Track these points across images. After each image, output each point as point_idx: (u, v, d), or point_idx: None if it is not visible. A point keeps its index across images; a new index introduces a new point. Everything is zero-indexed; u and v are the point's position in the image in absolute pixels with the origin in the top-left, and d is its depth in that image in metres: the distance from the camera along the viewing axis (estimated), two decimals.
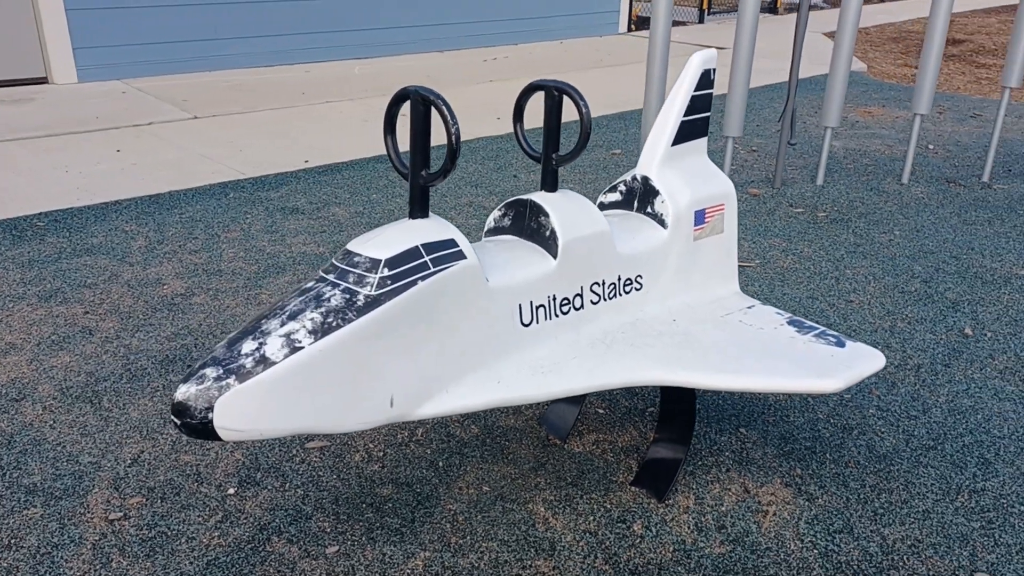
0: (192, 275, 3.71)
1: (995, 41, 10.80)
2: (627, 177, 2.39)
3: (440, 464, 2.50)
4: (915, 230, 4.51)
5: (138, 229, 4.18)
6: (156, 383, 2.87)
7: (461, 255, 1.84)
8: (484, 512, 2.31)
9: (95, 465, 2.46)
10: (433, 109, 1.77)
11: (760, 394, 2.92)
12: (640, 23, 11.28)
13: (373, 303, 1.72)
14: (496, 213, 2.18)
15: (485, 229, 2.23)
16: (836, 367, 2.08)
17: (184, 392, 1.59)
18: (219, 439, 1.61)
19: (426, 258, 1.78)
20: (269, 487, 2.39)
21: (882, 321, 3.50)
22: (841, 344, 2.21)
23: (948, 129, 6.59)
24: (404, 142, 5.62)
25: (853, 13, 4.78)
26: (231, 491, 2.37)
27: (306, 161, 5.26)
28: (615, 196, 2.40)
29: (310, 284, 1.78)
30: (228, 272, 3.75)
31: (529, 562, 2.15)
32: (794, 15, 12.65)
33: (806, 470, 2.54)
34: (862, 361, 2.12)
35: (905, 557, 2.22)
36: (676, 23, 11.73)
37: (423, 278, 1.77)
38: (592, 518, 2.30)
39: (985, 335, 3.40)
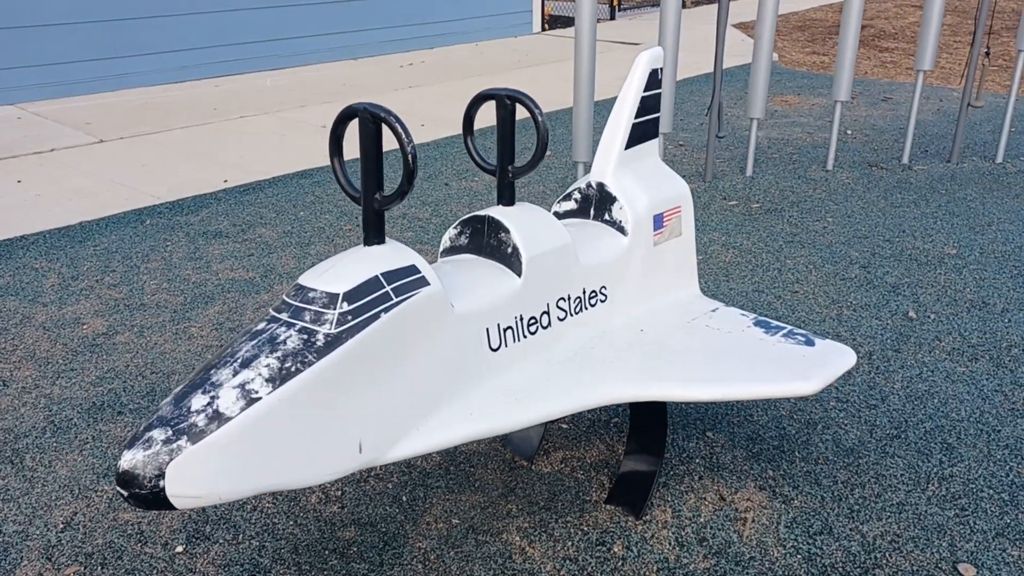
0: (113, 312, 3.46)
1: (894, 25, 11.16)
2: (581, 184, 2.30)
3: (404, 499, 2.37)
4: (847, 216, 4.56)
5: (49, 265, 3.89)
6: (85, 434, 2.65)
7: (424, 282, 1.71)
8: (456, 547, 2.19)
9: (22, 534, 2.23)
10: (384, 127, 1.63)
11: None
12: (552, 22, 11.26)
13: (334, 342, 1.58)
14: (452, 232, 2.06)
15: (441, 249, 2.10)
16: (810, 368, 2.03)
17: (130, 460, 1.41)
18: (173, 508, 1.44)
19: (387, 288, 1.64)
20: (221, 541, 2.21)
21: (828, 310, 3.50)
22: (811, 343, 2.16)
23: (863, 113, 6.73)
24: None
25: (771, 4, 4.81)
26: (179, 549, 2.18)
27: (225, 181, 5.01)
28: (570, 205, 2.31)
29: (261, 325, 1.63)
30: (152, 306, 3.51)
31: None
32: (700, 8, 12.83)
33: (777, 471, 2.50)
34: (834, 359, 2.08)
35: (887, 554, 2.19)
36: None
37: (386, 310, 1.64)
38: (570, 543, 2.20)
39: (928, 317, 3.44)
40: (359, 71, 8.40)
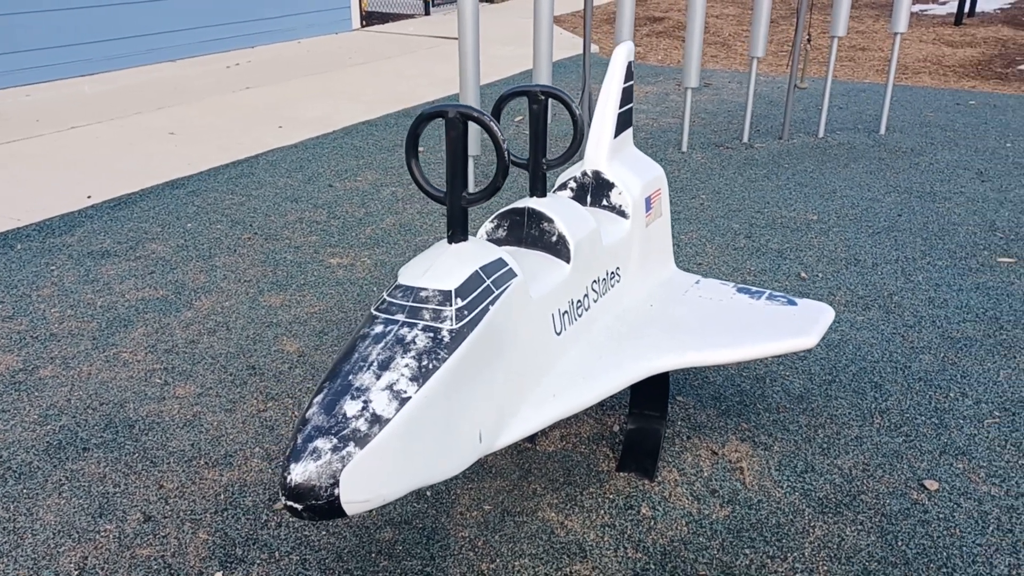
0: (21, 345, 3.16)
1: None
2: (576, 173, 2.42)
3: (428, 493, 2.39)
4: (715, 192, 4.98)
5: None
6: (55, 477, 2.44)
7: (513, 273, 1.77)
8: (499, 531, 2.26)
9: None
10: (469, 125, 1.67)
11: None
12: (369, 17, 11.18)
13: (458, 337, 1.61)
14: (488, 225, 2.11)
15: None
16: (804, 325, 2.29)
17: (302, 472, 1.38)
18: (343, 516, 1.43)
19: (487, 281, 1.69)
20: (258, 561, 2.15)
21: (733, 277, 3.85)
22: (793, 303, 2.43)
23: (692, 99, 7.28)
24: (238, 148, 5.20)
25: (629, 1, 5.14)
26: (217, 575, 2.10)
27: (89, 197, 4.65)
28: (566, 193, 2.43)
29: (378, 328, 1.62)
30: (65, 335, 3.24)
31: (568, 569, 2.14)
32: (507, 3, 13.21)
33: (749, 423, 2.76)
34: (819, 315, 2.35)
35: (865, 480, 2.50)
36: (403, 16, 11.77)
37: (491, 303, 1.69)
38: (603, 511, 2.33)
39: (817, 276, 3.87)
40: (184, 73, 7.96)
